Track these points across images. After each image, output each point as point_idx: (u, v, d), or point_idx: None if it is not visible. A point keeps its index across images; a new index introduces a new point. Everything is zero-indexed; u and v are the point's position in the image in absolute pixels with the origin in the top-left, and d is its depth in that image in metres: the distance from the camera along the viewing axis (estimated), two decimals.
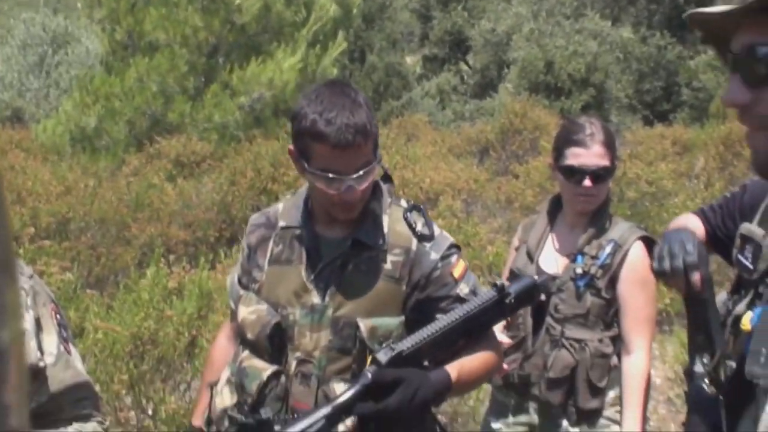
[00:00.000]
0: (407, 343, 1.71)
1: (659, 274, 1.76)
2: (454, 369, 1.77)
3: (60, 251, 6.30)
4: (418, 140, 12.61)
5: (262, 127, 11.34)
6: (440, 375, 1.73)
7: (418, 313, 1.86)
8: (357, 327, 1.80)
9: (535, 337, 2.49)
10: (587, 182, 2.45)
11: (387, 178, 1.98)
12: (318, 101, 1.74)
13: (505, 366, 2.47)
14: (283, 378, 1.84)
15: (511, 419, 2.60)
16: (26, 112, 16.31)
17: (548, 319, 2.47)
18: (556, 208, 2.64)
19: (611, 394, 2.46)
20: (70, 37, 18.50)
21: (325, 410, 1.64)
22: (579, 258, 2.48)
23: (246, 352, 1.88)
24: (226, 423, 1.86)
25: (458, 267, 1.90)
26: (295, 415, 1.78)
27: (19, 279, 1.45)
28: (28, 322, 1.44)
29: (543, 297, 2.44)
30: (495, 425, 2.63)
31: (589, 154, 2.46)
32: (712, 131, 12.14)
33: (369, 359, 1.74)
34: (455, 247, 1.93)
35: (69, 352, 1.54)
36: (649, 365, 2.45)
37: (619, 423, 2.42)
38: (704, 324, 1.80)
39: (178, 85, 11.07)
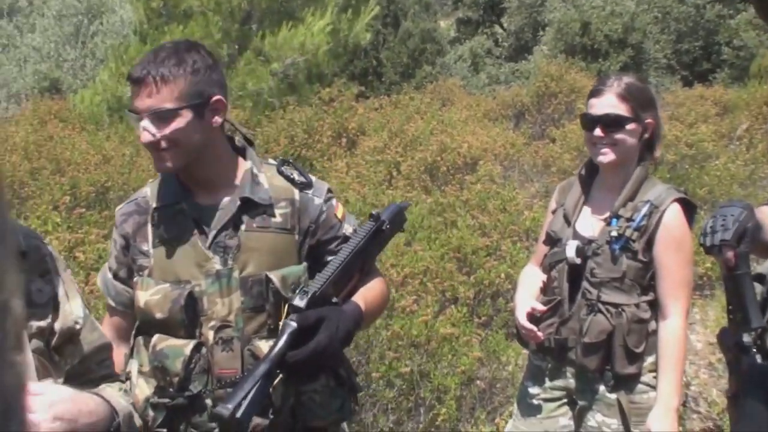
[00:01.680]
0: (316, 285, 1.80)
1: (704, 249, 1.80)
2: (360, 300, 1.91)
3: (100, 220, 6.39)
4: (452, 105, 12.52)
5: (296, 93, 11.32)
6: (352, 307, 1.87)
7: (312, 259, 1.97)
8: (268, 281, 1.87)
9: (572, 302, 2.47)
10: (598, 131, 2.43)
11: (249, 142, 2.04)
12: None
13: (539, 334, 2.46)
14: (204, 350, 1.86)
15: (548, 383, 2.59)
16: (64, 83, 16.47)
17: (584, 284, 2.44)
18: (593, 171, 2.60)
19: (649, 360, 2.42)
20: (105, 6, 18.56)
21: (261, 369, 1.67)
22: (614, 221, 2.44)
23: (156, 336, 1.89)
24: (151, 412, 1.86)
25: (339, 209, 2.05)
26: (222, 384, 1.84)
27: (43, 244, 1.48)
28: (60, 287, 1.47)
29: (578, 260, 2.43)
30: (532, 390, 2.62)
31: (601, 103, 2.44)
32: (754, 91, 11.87)
33: (285, 309, 1.80)
34: (330, 191, 2.05)
35: (90, 314, 1.57)
36: (685, 330, 2.42)
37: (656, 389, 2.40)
38: (739, 299, 1.81)
39: (212, 53, 11.08)
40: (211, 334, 1.86)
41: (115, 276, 2.01)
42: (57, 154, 7.95)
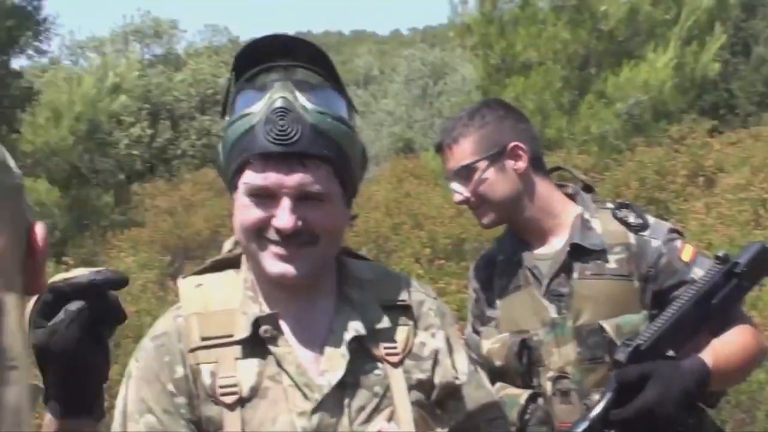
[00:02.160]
0: (643, 336, 1.59)
1: None
2: (707, 355, 1.65)
3: (458, 271, 6.65)
4: None
5: (643, 133, 10.92)
6: (693, 362, 1.61)
7: (658, 307, 1.78)
8: (602, 330, 1.79)
9: None
10: None
11: (588, 188, 2.01)
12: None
13: None
14: (540, 400, 1.82)
15: None
16: (415, 142, 17.65)
17: None
18: None
19: None
20: (448, 67, 19.65)
21: (582, 425, 1.54)
22: None
23: (498, 384, 1.87)
24: None
25: (686, 251, 1.87)
26: None
27: (430, 299, 1.49)
28: (440, 341, 1.47)
29: None
30: None
31: None
32: None
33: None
34: (676, 232, 1.92)
35: (478, 371, 1.56)
36: None
37: None
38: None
39: (554, 101, 11.13)
40: (549, 385, 1.83)
41: (474, 330, 2.04)
42: (415, 209, 8.47)
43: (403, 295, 1.46)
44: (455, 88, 18.47)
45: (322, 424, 1.34)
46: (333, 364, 1.37)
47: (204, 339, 1.38)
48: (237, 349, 1.37)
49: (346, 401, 1.37)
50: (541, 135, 11.11)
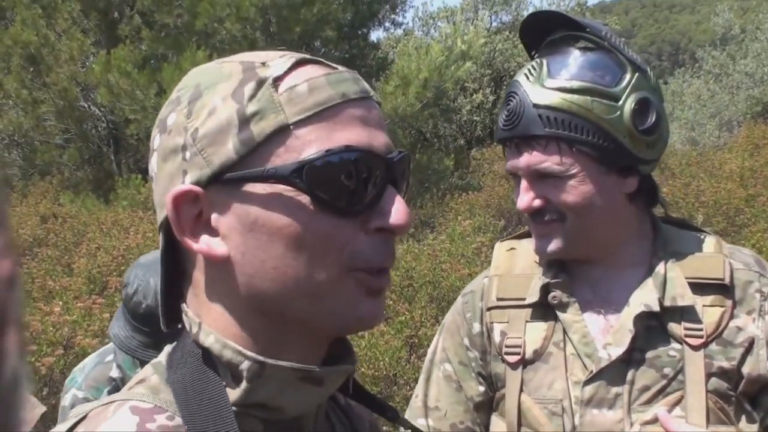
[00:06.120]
0: None
1: None
2: None
3: None
4: None
5: None
6: None
7: None
8: None
9: None
10: None
11: None
12: None
13: None
14: None
15: None
16: None
17: None
18: None
19: None
20: None
21: None
22: None
23: None
24: None
25: None
26: None
27: (761, 279, 1.32)
28: (761, 327, 1.32)
29: None
30: None
31: None
32: None
33: None
34: None
35: None
36: None
37: None
38: None
39: None
40: None
41: None
42: None
43: (721, 273, 1.33)
44: None
45: (596, 397, 1.31)
46: (618, 337, 1.34)
47: (500, 299, 1.45)
48: (528, 312, 1.42)
49: (629, 378, 1.31)
50: None
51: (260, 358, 0.72)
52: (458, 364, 1.48)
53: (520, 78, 1.32)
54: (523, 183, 1.33)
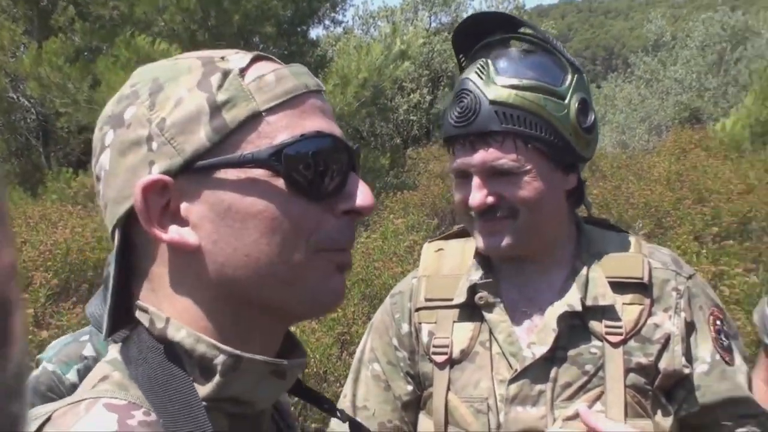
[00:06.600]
0: None
1: None
2: None
3: (741, 251, 6.09)
4: None
5: None
6: None
7: None
8: None
9: None
10: None
11: None
12: None
13: None
14: None
15: None
16: (704, 112, 16.43)
17: None
18: None
19: None
20: (750, 31, 17.97)
21: None
22: None
23: None
24: None
25: None
26: None
27: (677, 278, 1.39)
28: (677, 324, 1.36)
29: None
30: None
31: None
32: None
33: None
34: None
35: (729, 362, 1.38)
36: None
37: None
38: None
39: None
40: None
41: None
42: (700, 183, 7.88)
43: (639, 272, 1.38)
44: (756, 55, 16.83)
45: (520, 395, 1.34)
46: (542, 337, 1.37)
47: (428, 300, 1.46)
48: (455, 312, 1.43)
49: (552, 375, 1.34)
50: None
51: (236, 352, 0.72)
52: (387, 364, 1.49)
53: (471, 76, 1.33)
54: (476, 180, 1.33)
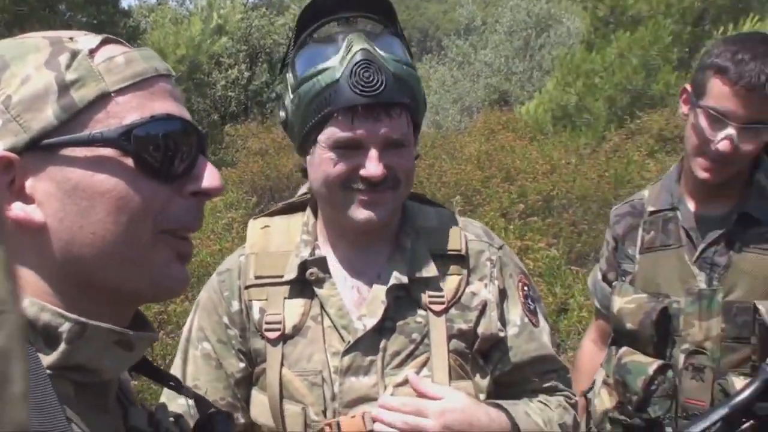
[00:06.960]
0: None
1: None
2: None
3: (544, 227, 6.49)
4: None
5: None
6: None
7: None
8: (755, 310, 1.64)
9: None
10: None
11: None
12: (733, 43, 1.63)
13: None
14: (670, 373, 1.71)
15: None
16: (512, 95, 17.32)
17: None
18: None
19: None
20: (553, 19, 19.09)
21: (721, 411, 1.45)
22: None
23: (625, 348, 1.80)
24: (608, 425, 1.79)
25: None
26: (687, 415, 1.65)
27: (491, 249, 1.48)
28: (491, 292, 1.47)
29: None
30: None
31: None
32: None
33: None
34: None
35: (535, 324, 1.51)
36: None
37: None
38: None
39: (661, 57, 10.62)
40: (681, 358, 1.72)
41: (604, 278, 1.98)
42: (508, 163, 8.29)
43: (458, 244, 1.46)
44: (558, 42, 17.95)
45: (353, 365, 1.39)
46: (372, 309, 1.42)
47: (258, 277, 1.47)
48: (286, 289, 1.45)
49: (382, 345, 1.40)
50: (644, 92, 10.70)
51: (81, 319, 0.73)
52: (217, 342, 1.48)
53: (366, 46, 1.30)
54: (374, 152, 1.32)
